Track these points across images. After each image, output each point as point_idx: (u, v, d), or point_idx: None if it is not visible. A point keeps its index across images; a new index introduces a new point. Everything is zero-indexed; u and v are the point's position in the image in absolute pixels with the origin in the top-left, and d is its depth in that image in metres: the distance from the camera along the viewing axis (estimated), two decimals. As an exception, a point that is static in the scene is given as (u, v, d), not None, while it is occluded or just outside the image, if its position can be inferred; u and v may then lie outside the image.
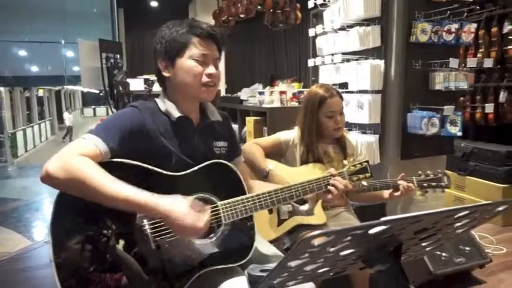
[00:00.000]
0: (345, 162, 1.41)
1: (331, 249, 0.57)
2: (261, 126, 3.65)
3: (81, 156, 0.97)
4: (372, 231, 0.54)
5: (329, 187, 1.31)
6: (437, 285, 2.29)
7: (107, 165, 1.00)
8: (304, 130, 1.81)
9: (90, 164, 0.97)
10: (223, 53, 1.24)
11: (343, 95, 2.48)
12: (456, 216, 0.60)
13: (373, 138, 2.30)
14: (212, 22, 5.53)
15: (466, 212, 0.60)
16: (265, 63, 9.28)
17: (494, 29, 3.49)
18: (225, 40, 1.21)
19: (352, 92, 2.42)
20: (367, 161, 1.39)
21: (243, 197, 1.13)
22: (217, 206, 1.09)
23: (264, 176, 1.68)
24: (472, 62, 2.20)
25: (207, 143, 1.21)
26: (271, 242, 1.51)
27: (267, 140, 1.91)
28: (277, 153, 1.87)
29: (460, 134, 2.36)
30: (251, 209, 1.12)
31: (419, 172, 1.75)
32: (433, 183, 1.72)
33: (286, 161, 1.86)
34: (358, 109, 2.32)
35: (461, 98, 3.81)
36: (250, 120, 3.75)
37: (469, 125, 3.97)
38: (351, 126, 2.51)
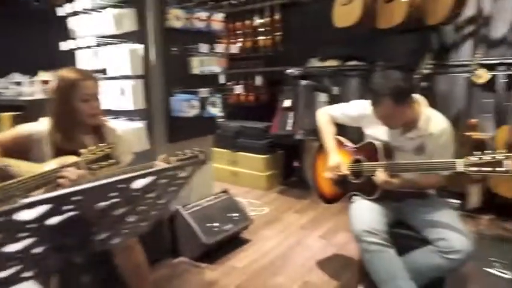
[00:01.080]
0: (82, 151, 1.32)
1: None
2: (21, 121, 3.10)
3: None
4: (19, 217, 0.48)
5: (58, 180, 1.20)
6: (211, 254, 2.52)
7: None
8: (56, 120, 1.63)
9: None
10: None
11: (105, 81, 2.37)
12: (130, 187, 0.61)
13: (140, 125, 2.27)
14: None
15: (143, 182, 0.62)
16: (27, 50, 7.89)
17: (247, 22, 4.03)
18: None
19: (113, 78, 2.32)
20: (110, 147, 1.34)
21: None
22: None
23: None
24: (220, 48, 2.45)
25: None
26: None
27: (5, 135, 1.62)
28: (21, 149, 1.61)
29: (220, 114, 2.61)
30: None
31: (178, 152, 1.84)
32: (191, 161, 1.83)
33: (34, 156, 1.61)
34: (121, 96, 2.24)
35: (229, 82, 4.27)
36: (4, 117, 3.13)
37: (236, 106, 4.51)
38: (117, 115, 2.41)
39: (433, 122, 1.79)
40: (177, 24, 2.24)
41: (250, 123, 4.08)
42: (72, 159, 1.56)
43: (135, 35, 2.21)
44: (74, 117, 1.63)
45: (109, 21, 2.15)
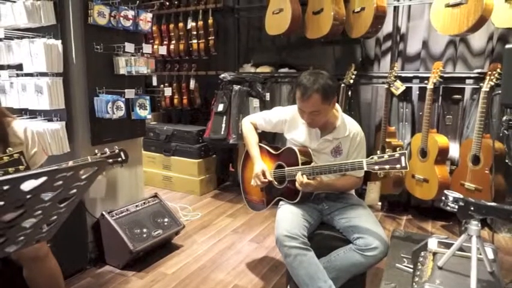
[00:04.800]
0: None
1: None
2: None
3: None
4: None
5: None
6: (139, 261, 2.42)
7: None
8: None
9: None
10: None
11: (21, 78, 2.18)
12: (27, 190, 0.56)
13: (58, 126, 2.12)
14: None
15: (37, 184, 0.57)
16: None
17: (180, 24, 3.98)
18: None
19: (30, 75, 2.14)
20: (19, 152, 1.24)
21: None
22: None
23: None
24: (148, 49, 2.38)
25: None
26: None
27: None
28: None
29: (149, 116, 2.53)
30: None
31: (96, 151, 1.76)
32: (110, 160, 1.76)
33: None
34: (37, 94, 2.07)
35: (162, 85, 4.17)
36: None
37: (171, 109, 4.42)
38: (34, 114, 2.23)
39: (348, 125, 1.93)
40: (101, 21, 2.14)
41: (184, 127, 4.01)
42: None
43: (53, 29, 2.06)
44: None
45: (21, 12, 1.98)
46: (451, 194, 1.09)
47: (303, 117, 1.88)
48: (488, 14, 2.42)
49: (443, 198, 1.13)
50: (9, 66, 2.24)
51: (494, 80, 2.53)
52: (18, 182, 0.53)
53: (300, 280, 1.79)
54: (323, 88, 1.74)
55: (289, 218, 1.87)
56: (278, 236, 1.80)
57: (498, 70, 2.51)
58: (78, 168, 0.61)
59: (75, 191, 0.68)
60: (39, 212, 0.66)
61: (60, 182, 0.60)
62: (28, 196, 0.59)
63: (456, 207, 1.07)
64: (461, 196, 1.08)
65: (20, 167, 1.25)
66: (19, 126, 1.65)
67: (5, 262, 1.54)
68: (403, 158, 1.51)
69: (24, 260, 1.55)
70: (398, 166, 1.52)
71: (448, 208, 1.09)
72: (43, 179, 0.55)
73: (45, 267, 1.58)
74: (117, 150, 1.74)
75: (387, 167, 1.55)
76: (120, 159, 1.74)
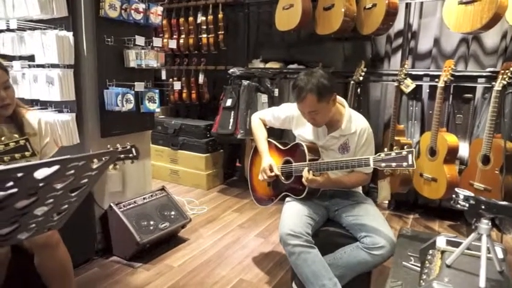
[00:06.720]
0: (-5, 141, 1.22)
1: None
2: None
3: None
4: None
5: None
6: (146, 253, 2.44)
7: None
8: None
9: None
10: None
11: (32, 69, 2.20)
12: (40, 177, 0.57)
13: (69, 117, 2.14)
14: None
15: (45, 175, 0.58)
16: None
17: (190, 19, 3.98)
18: None
19: (42, 67, 2.16)
20: (25, 139, 1.25)
21: None
22: None
23: None
24: (158, 42, 2.39)
25: None
26: None
27: None
28: None
29: (158, 110, 2.54)
30: None
31: (108, 146, 1.77)
32: (122, 156, 1.77)
33: None
34: (48, 85, 2.09)
35: (171, 79, 4.18)
36: None
37: (179, 104, 4.43)
38: (45, 105, 2.25)
39: (355, 121, 1.91)
40: (113, 14, 2.15)
41: (192, 121, 4.02)
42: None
43: (65, 21, 2.07)
44: None
45: (33, 3, 1.99)
46: (462, 192, 1.08)
47: (305, 118, 1.87)
48: (503, 11, 2.38)
49: (453, 196, 1.11)
50: (21, 57, 2.26)
51: (506, 79, 2.49)
52: (32, 169, 0.54)
53: (305, 278, 1.79)
54: (317, 87, 1.71)
55: (293, 216, 1.86)
56: (281, 235, 1.81)
57: (511, 69, 2.47)
58: (90, 157, 0.62)
59: (86, 180, 0.68)
60: (51, 200, 0.67)
61: (72, 171, 0.60)
62: (41, 184, 0.59)
63: (467, 205, 1.06)
64: (472, 194, 1.07)
65: (26, 153, 1.26)
66: (34, 116, 1.68)
67: (17, 250, 1.56)
68: (410, 156, 1.49)
69: (35, 247, 1.57)
70: (405, 164, 1.50)
71: (459, 206, 1.08)
72: (55, 167, 0.56)
73: (56, 255, 1.60)
74: (128, 146, 1.75)
75: (394, 164, 1.53)
76: (131, 155, 1.75)
